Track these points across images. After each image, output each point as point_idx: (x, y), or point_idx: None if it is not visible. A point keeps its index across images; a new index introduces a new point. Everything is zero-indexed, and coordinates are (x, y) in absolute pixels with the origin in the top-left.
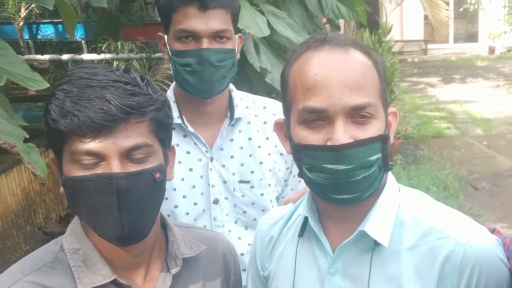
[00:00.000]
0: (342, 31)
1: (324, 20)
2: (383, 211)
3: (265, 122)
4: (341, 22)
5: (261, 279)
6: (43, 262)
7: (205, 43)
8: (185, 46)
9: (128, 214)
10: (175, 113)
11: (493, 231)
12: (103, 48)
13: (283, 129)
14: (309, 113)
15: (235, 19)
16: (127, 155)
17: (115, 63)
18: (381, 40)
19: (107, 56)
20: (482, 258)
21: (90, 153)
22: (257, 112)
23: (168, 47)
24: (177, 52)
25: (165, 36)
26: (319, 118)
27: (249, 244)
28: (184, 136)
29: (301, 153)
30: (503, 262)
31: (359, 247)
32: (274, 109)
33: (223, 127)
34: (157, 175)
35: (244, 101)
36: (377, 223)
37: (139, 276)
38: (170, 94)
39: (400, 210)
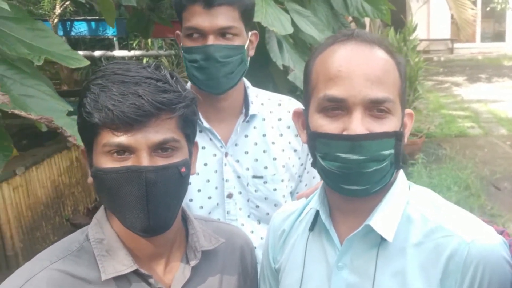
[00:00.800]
0: (367, 30)
1: (350, 18)
2: (390, 207)
3: (279, 119)
4: (367, 20)
5: (272, 271)
6: (69, 251)
7: (211, 40)
8: (193, 43)
9: (154, 206)
10: None
11: (501, 232)
12: (134, 45)
13: (301, 118)
14: (329, 102)
15: (245, 16)
16: (155, 149)
17: (144, 60)
18: (406, 39)
19: (137, 52)
20: (486, 257)
21: (121, 146)
22: (272, 109)
23: (181, 45)
24: (186, 48)
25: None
26: (338, 107)
27: (261, 238)
28: (200, 131)
29: (316, 141)
30: (508, 262)
31: (366, 242)
32: (289, 106)
33: (238, 123)
34: (183, 170)
35: (260, 98)
36: (383, 218)
37: (159, 266)
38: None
39: (408, 207)
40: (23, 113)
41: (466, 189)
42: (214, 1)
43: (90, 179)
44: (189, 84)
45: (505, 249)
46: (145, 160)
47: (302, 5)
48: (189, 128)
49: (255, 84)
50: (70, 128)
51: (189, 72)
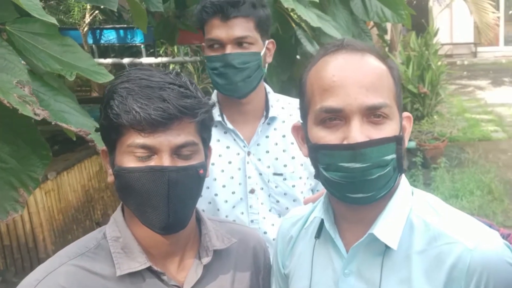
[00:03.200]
0: (389, 35)
1: (372, 23)
2: (393, 214)
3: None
4: (388, 25)
5: (282, 276)
6: (87, 248)
7: (229, 49)
8: (213, 52)
9: (174, 204)
10: (216, 112)
11: (508, 235)
12: (161, 52)
13: (300, 132)
14: (326, 113)
15: (260, 26)
16: (176, 151)
17: (171, 66)
18: (428, 43)
19: (164, 59)
20: (489, 263)
21: (145, 146)
22: (291, 112)
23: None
24: (208, 58)
25: None
26: (335, 117)
27: None
28: (225, 132)
29: (318, 153)
30: None
31: (371, 250)
32: None
33: (259, 125)
34: (201, 171)
35: (280, 103)
36: (386, 226)
37: (173, 265)
38: (213, 96)
39: (411, 213)
40: (64, 126)
41: (489, 193)
42: (230, 14)
43: (110, 178)
44: (215, 91)
45: (508, 253)
46: (166, 161)
47: (321, 11)
48: (206, 132)
49: (280, 87)
50: (99, 142)
51: (212, 79)
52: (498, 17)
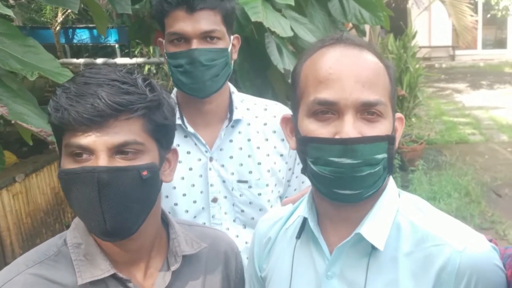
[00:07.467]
0: (367, 37)
1: (350, 25)
2: (380, 215)
3: (265, 124)
4: (367, 27)
5: (258, 280)
6: (46, 255)
7: (195, 44)
8: (177, 48)
9: (109, 208)
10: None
11: (490, 241)
12: (136, 52)
13: (289, 124)
14: (320, 105)
15: (227, 20)
16: (116, 151)
17: (146, 67)
18: (406, 46)
19: (139, 60)
20: (478, 265)
21: (80, 147)
22: (257, 114)
23: (164, 51)
24: (170, 54)
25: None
26: (328, 111)
27: (246, 243)
28: (185, 136)
29: (307, 146)
30: (500, 268)
31: (357, 251)
32: (275, 111)
33: (222, 128)
34: (144, 173)
35: (245, 103)
36: (373, 226)
37: (139, 271)
38: (173, 97)
39: (398, 215)
40: (24, 125)
41: (466, 196)
42: (196, 5)
43: None
44: (174, 90)
45: (496, 256)
46: (102, 161)
47: (299, 13)
48: (159, 133)
49: (254, 91)
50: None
51: (174, 78)
52: (476, 21)
